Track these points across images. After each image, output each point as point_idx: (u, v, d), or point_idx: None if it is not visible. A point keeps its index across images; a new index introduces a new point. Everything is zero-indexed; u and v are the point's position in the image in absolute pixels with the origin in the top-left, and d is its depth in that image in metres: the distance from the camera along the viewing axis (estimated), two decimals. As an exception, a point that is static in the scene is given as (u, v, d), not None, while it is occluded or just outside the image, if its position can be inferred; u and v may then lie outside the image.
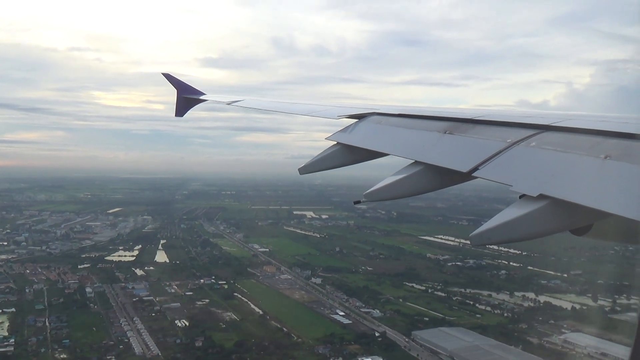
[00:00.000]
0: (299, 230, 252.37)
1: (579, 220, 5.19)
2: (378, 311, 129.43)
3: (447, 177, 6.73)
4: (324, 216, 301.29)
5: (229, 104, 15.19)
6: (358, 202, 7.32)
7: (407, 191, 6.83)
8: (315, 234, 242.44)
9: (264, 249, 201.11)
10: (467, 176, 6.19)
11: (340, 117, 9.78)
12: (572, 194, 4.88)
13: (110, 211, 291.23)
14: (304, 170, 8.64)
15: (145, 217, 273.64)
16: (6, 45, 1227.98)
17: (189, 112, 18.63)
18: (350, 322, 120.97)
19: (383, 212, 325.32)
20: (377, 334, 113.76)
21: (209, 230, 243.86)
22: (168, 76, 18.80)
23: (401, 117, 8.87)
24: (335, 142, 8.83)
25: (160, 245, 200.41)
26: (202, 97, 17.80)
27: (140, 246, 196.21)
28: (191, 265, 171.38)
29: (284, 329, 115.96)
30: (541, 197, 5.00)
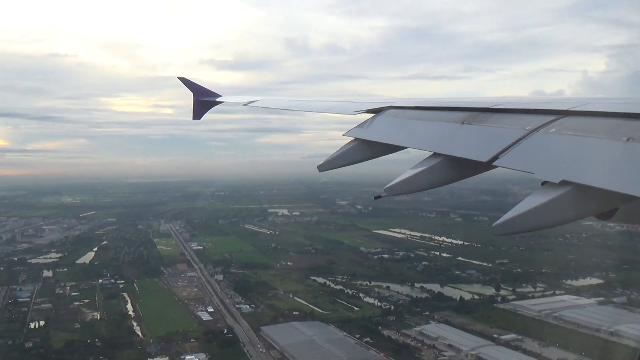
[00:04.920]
0: (255, 228, 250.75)
1: (603, 204, 5.04)
2: (249, 306, 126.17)
3: (467, 168, 6.59)
4: (295, 213, 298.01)
5: (245, 104, 15.19)
6: (379, 197, 6.85)
7: (427, 184, 6.69)
8: (268, 231, 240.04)
9: (199, 247, 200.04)
10: (487, 166, 6.05)
11: (356, 112, 9.72)
12: (595, 178, 4.75)
13: (83, 215, 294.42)
14: (323, 167, 8.52)
15: (110, 219, 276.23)
16: (16, 55, 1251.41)
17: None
18: (210, 319, 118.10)
19: (359, 207, 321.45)
20: (225, 330, 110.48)
21: (162, 230, 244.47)
22: (184, 80, 18.69)
23: (418, 110, 8.77)
24: (353, 138, 8.73)
25: (97, 247, 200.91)
26: (218, 99, 17.88)
27: (73, 248, 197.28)
28: (108, 265, 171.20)
29: (138, 327, 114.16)
30: (563, 183, 4.85)
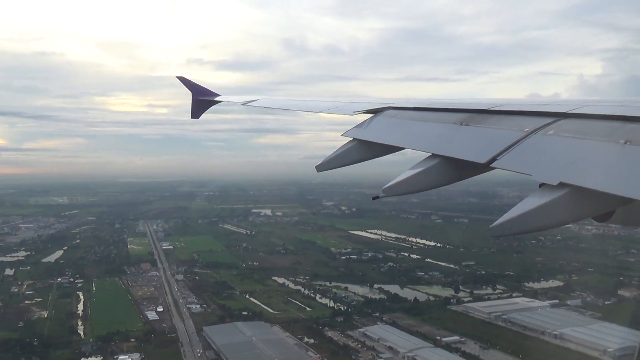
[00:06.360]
0: (233, 228, 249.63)
1: (600, 207, 5.05)
2: (200, 306, 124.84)
3: (465, 169, 6.59)
4: (277, 213, 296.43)
5: (244, 104, 15.23)
6: (377, 198, 6.82)
7: (425, 185, 6.67)
8: (245, 231, 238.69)
9: (169, 247, 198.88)
10: (485, 167, 6.06)
11: (355, 112, 9.75)
12: (593, 180, 4.77)
13: (64, 213, 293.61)
14: (321, 167, 8.52)
15: (90, 218, 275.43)
16: (11, 54, 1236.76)
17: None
18: (157, 318, 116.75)
19: (344, 208, 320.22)
20: (167, 330, 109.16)
21: (139, 229, 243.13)
22: (183, 79, 18.68)
23: (416, 111, 8.79)
24: (351, 139, 8.72)
25: (67, 246, 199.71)
26: (217, 99, 17.86)
27: (43, 247, 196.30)
28: (73, 264, 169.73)
29: (82, 326, 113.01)
30: (561, 185, 4.87)
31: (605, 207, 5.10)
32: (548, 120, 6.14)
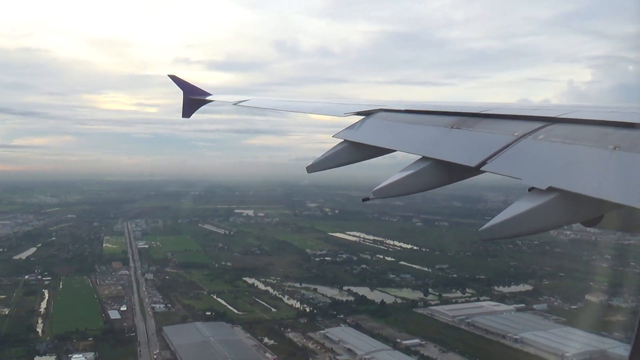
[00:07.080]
0: (212, 228, 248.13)
1: (589, 212, 5.10)
2: (164, 306, 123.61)
3: (455, 172, 6.61)
4: (260, 214, 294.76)
5: (235, 104, 15.23)
6: (367, 199, 6.81)
7: (415, 187, 6.71)
8: (224, 231, 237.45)
9: (144, 246, 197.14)
10: (476, 171, 6.08)
11: (347, 114, 9.67)
12: (582, 185, 4.82)
13: (45, 211, 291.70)
14: (312, 168, 8.47)
15: (70, 215, 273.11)
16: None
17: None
18: (119, 317, 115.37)
19: (327, 209, 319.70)
20: (126, 330, 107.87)
21: (117, 228, 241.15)
22: (174, 78, 18.63)
23: (408, 113, 8.79)
24: (343, 140, 8.69)
25: (41, 243, 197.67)
26: (208, 98, 17.86)
27: (17, 244, 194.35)
28: (44, 262, 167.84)
29: (41, 324, 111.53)
30: (550, 189, 4.90)
31: (594, 212, 5.09)
32: (538, 124, 6.13)
